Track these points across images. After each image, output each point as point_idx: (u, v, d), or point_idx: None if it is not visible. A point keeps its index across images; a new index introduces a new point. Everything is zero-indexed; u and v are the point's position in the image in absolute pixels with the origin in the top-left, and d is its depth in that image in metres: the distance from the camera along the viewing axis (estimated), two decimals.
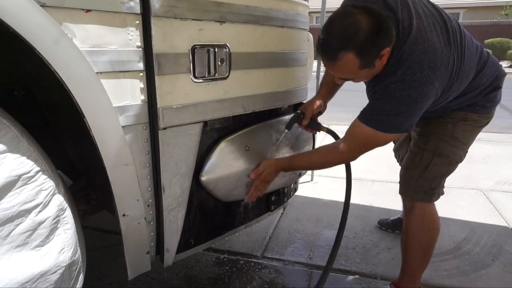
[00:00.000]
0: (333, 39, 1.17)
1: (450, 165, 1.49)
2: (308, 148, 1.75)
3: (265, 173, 1.42)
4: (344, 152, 1.37)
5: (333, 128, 1.73)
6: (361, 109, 1.34)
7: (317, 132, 1.68)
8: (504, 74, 1.48)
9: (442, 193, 1.58)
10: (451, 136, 1.45)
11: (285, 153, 1.58)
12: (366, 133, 1.29)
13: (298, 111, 1.59)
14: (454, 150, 1.47)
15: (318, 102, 1.60)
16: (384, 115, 1.25)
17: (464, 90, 1.40)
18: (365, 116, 1.30)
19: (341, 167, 1.61)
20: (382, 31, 1.14)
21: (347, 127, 1.40)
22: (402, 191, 1.61)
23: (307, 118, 1.56)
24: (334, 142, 1.43)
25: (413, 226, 1.56)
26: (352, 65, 1.18)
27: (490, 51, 1.49)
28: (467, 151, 1.52)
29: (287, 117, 1.58)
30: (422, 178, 1.50)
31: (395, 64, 1.22)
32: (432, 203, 1.56)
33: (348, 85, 1.55)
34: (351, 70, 1.20)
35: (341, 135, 1.52)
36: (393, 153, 2.07)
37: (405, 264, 1.63)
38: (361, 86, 1.49)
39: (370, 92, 1.35)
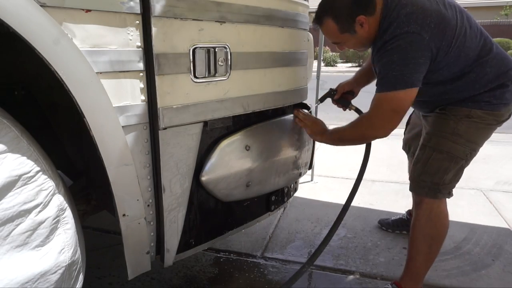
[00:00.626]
0: (319, 8, 1.46)
1: (452, 161, 1.50)
2: (309, 150, 1.75)
3: (309, 124, 1.59)
4: (375, 119, 1.43)
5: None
6: (364, 108, 1.41)
7: (345, 109, 1.85)
8: None
9: (452, 194, 1.58)
10: (452, 133, 1.49)
11: (288, 155, 1.58)
12: (382, 97, 1.39)
13: (332, 88, 1.83)
14: (455, 146, 1.49)
15: (350, 82, 1.85)
16: (383, 72, 1.37)
17: (465, 69, 1.42)
18: (377, 84, 1.42)
19: (341, 167, 1.61)
20: (356, 1, 1.37)
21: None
22: (410, 186, 1.66)
23: (339, 93, 1.82)
24: (360, 117, 1.54)
25: (420, 220, 1.59)
26: (332, 29, 1.44)
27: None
28: (475, 149, 1.52)
29: (287, 117, 1.58)
30: (424, 173, 1.55)
31: (386, 27, 1.36)
32: (442, 200, 1.58)
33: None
34: (333, 33, 1.46)
35: None
36: (393, 154, 2.08)
37: (409, 261, 1.63)
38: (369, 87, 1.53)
39: (375, 68, 1.49)
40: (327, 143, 1.62)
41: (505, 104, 1.47)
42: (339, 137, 1.57)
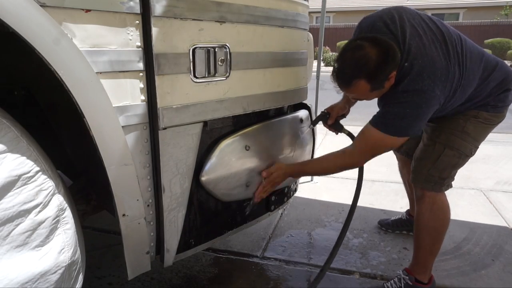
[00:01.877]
0: (347, 69, 1.33)
1: (460, 157, 1.57)
2: (309, 150, 1.75)
3: (275, 175, 1.49)
4: (354, 156, 1.48)
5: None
6: (361, 112, 1.40)
7: (338, 133, 1.83)
8: None
9: (451, 186, 1.64)
10: (461, 131, 1.54)
11: (287, 155, 1.58)
12: (375, 136, 1.40)
13: (325, 111, 1.79)
14: (464, 144, 1.55)
15: (343, 105, 1.81)
16: (392, 119, 1.37)
17: (470, 96, 1.48)
18: (375, 121, 1.42)
19: None
20: (389, 59, 1.30)
21: (349, 127, 1.42)
22: (413, 180, 1.68)
23: (333, 118, 1.78)
24: (344, 148, 1.51)
25: (423, 213, 1.63)
26: (364, 89, 1.34)
27: (498, 59, 1.55)
28: (477, 147, 1.59)
29: (287, 117, 1.58)
30: (434, 168, 1.58)
31: (399, 79, 1.35)
32: (443, 193, 1.63)
33: None
34: (363, 93, 1.37)
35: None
36: (393, 154, 2.08)
37: (416, 251, 1.69)
38: None
39: (379, 103, 1.49)
40: (304, 175, 1.64)
41: (507, 106, 1.56)
42: (319, 167, 1.57)
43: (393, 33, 1.37)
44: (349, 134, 1.76)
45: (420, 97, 1.32)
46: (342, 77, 1.36)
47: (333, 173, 1.59)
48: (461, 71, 1.40)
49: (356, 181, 1.72)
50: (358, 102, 1.79)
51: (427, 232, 1.63)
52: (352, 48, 1.33)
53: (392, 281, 1.70)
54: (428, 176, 1.60)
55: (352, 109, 1.90)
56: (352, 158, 1.49)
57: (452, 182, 1.64)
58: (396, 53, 1.31)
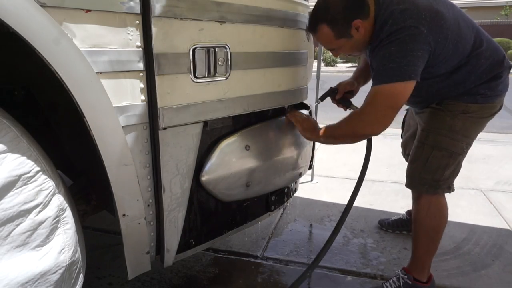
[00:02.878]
0: (312, 15, 1.44)
1: (451, 157, 1.53)
2: (309, 150, 1.75)
3: (302, 120, 1.53)
4: (368, 115, 1.38)
5: None
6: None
7: (347, 109, 1.80)
8: (509, 64, 1.49)
9: (452, 189, 1.61)
10: (449, 130, 1.51)
11: (287, 155, 1.58)
12: (379, 90, 1.36)
13: (332, 87, 1.80)
14: (453, 143, 1.52)
15: (351, 82, 1.82)
16: (381, 64, 1.35)
17: (462, 62, 1.42)
18: (373, 77, 1.40)
19: (341, 167, 1.61)
20: (350, 5, 1.36)
21: None
22: (408, 184, 1.67)
23: (341, 93, 1.79)
24: (353, 112, 1.48)
25: (420, 214, 1.63)
26: (328, 35, 1.42)
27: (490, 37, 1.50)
28: (470, 143, 1.55)
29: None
30: (425, 171, 1.57)
31: (381, 26, 1.35)
32: (440, 194, 1.61)
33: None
34: (329, 40, 1.43)
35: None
36: (393, 154, 2.08)
37: (414, 251, 1.69)
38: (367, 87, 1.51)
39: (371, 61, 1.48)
40: (318, 140, 1.56)
41: (498, 96, 1.51)
42: (330, 134, 1.49)
43: None
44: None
45: (403, 34, 1.29)
46: (309, 22, 1.46)
47: (355, 138, 1.48)
48: (453, 23, 1.36)
49: (356, 180, 1.69)
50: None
51: (424, 232, 1.63)
52: None
53: (391, 280, 1.70)
54: (421, 179, 1.58)
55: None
56: (371, 117, 1.38)
57: (454, 185, 1.61)
58: (361, 1, 1.36)
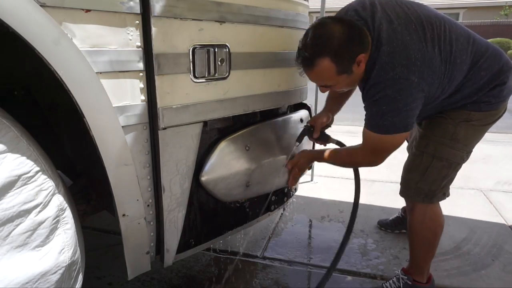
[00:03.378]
0: (309, 47, 1.24)
1: (450, 168, 1.48)
2: (308, 148, 1.75)
3: (302, 161, 1.58)
4: (362, 156, 1.45)
5: (339, 128, 1.75)
6: (361, 113, 1.38)
7: (326, 145, 1.72)
8: (509, 67, 1.40)
9: (448, 194, 1.57)
10: (451, 138, 1.44)
11: (287, 155, 1.58)
12: (372, 137, 1.35)
13: (308, 124, 1.66)
14: (454, 152, 1.45)
15: (326, 115, 1.69)
16: (374, 120, 1.32)
17: (460, 84, 1.36)
18: (366, 122, 1.37)
19: (341, 167, 1.62)
20: (355, 38, 1.23)
21: (349, 126, 1.41)
22: (402, 193, 1.62)
23: (317, 131, 1.65)
24: (356, 145, 1.48)
25: (415, 225, 1.59)
26: (329, 70, 1.25)
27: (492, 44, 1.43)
28: (470, 151, 1.49)
29: (287, 117, 1.58)
30: (422, 181, 1.51)
31: (369, 69, 1.28)
32: (435, 204, 1.56)
33: None
34: (329, 75, 1.27)
35: (346, 135, 1.55)
36: (393, 154, 2.07)
37: (411, 256, 1.68)
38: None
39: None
40: (325, 162, 1.58)
41: (502, 101, 1.44)
42: (331, 161, 1.54)
43: (363, 18, 1.29)
44: (338, 143, 1.68)
45: (393, 89, 1.21)
46: (305, 57, 1.26)
47: (347, 167, 1.61)
48: (444, 55, 1.29)
49: (354, 182, 1.68)
50: (346, 105, 1.75)
51: (420, 242, 1.60)
52: (315, 26, 1.26)
53: (391, 281, 1.70)
54: (417, 189, 1.52)
55: (352, 108, 1.89)
56: (362, 158, 1.45)
57: (449, 191, 1.57)
58: (363, 33, 1.24)
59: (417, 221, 1.57)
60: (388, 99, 1.23)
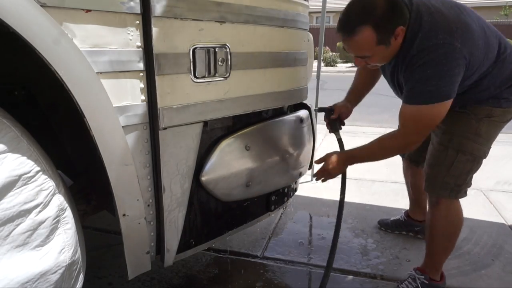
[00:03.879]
0: (352, 15, 1.29)
1: (474, 161, 1.50)
2: (309, 150, 1.75)
3: (330, 169, 1.56)
4: (403, 138, 1.42)
5: (367, 129, 1.78)
6: (361, 112, 1.38)
7: (331, 132, 1.84)
8: None
9: (466, 193, 1.59)
10: (475, 133, 1.46)
11: (287, 155, 1.58)
12: (412, 112, 1.34)
13: (331, 106, 1.82)
14: (478, 147, 1.48)
15: (345, 105, 1.82)
16: (417, 87, 1.30)
17: (489, 67, 1.39)
18: (405, 98, 1.36)
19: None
20: (397, 9, 1.27)
21: (349, 127, 1.41)
22: (428, 189, 1.62)
23: (336, 114, 1.79)
24: (392, 131, 1.48)
25: (438, 220, 1.60)
26: (369, 39, 1.28)
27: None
28: (490, 147, 1.52)
29: (288, 117, 1.58)
30: (448, 176, 1.52)
31: (410, 40, 1.30)
32: (457, 199, 1.58)
33: (377, 89, 1.61)
34: (368, 45, 1.30)
35: (346, 134, 1.57)
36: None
37: (430, 254, 1.68)
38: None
39: (397, 78, 1.44)
40: (361, 161, 1.58)
41: None
42: (370, 152, 1.53)
43: None
44: (339, 141, 1.77)
45: (438, 53, 1.23)
46: (347, 23, 1.30)
47: (385, 157, 1.55)
48: (481, 31, 1.33)
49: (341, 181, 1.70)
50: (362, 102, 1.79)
51: (443, 237, 1.61)
52: None
53: (406, 282, 1.68)
54: (443, 184, 1.53)
55: (376, 109, 1.89)
56: (403, 139, 1.43)
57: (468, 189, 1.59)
58: (403, 7, 1.28)
59: (441, 216, 1.58)
60: (433, 63, 1.25)
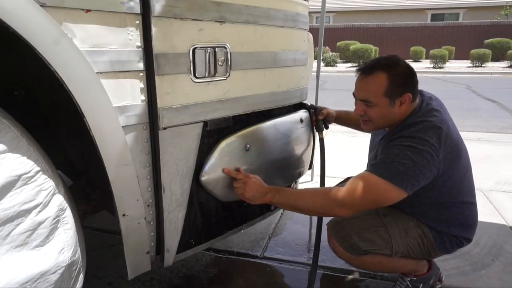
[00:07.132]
0: (377, 62, 1.40)
1: (386, 247, 1.46)
2: (309, 151, 1.76)
3: (243, 188, 1.34)
4: (343, 197, 1.30)
5: (340, 127, 1.75)
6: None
7: (317, 131, 1.83)
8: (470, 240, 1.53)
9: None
10: (405, 230, 1.48)
11: (287, 155, 1.58)
12: (370, 181, 1.29)
13: (321, 107, 1.84)
14: (398, 241, 1.47)
15: (333, 114, 1.86)
16: (389, 161, 1.29)
17: (449, 200, 1.44)
18: (373, 166, 1.33)
19: (341, 167, 1.61)
20: (413, 79, 1.38)
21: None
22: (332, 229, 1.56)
23: (323, 115, 1.80)
24: (331, 187, 1.40)
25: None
26: (380, 85, 1.35)
27: None
28: (401, 251, 1.49)
29: (287, 117, 1.58)
30: (357, 233, 1.47)
31: (410, 124, 1.35)
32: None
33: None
34: (377, 89, 1.35)
35: (346, 134, 1.54)
36: None
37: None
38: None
39: (379, 147, 1.46)
40: (275, 203, 1.41)
41: (448, 252, 1.54)
42: (292, 203, 1.37)
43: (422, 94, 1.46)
44: (321, 140, 1.81)
45: (425, 148, 1.27)
46: (369, 66, 1.40)
47: (313, 211, 1.41)
48: (462, 165, 1.42)
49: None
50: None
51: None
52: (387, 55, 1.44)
53: (398, 282, 1.67)
54: (345, 236, 1.47)
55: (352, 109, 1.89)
56: (343, 200, 1.30)
57: None
58: (418, 86, 1.40)
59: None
60: (416, 151, 1.28)
